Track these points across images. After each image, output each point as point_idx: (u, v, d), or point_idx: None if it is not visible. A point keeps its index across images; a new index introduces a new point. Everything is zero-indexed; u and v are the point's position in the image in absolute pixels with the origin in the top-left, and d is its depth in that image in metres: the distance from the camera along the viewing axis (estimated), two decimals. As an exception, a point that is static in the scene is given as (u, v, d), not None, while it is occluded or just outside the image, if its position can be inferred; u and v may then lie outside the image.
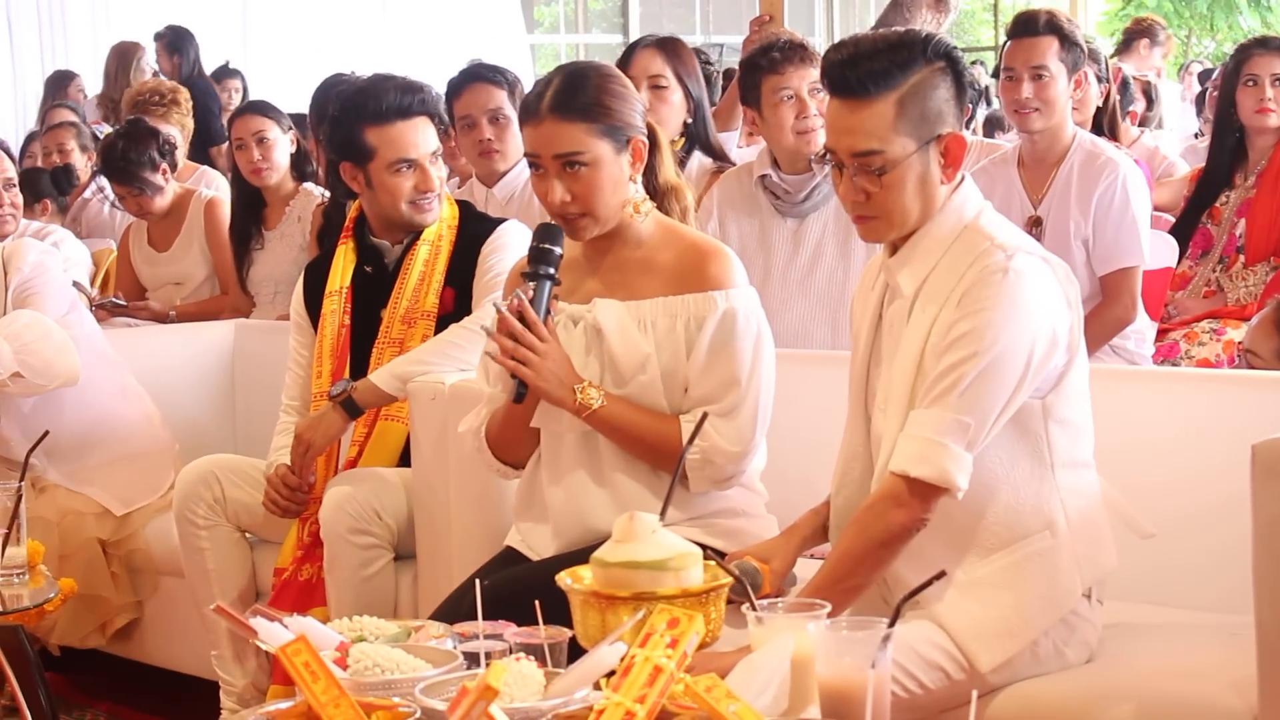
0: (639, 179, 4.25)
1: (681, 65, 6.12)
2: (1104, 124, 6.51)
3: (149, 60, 13.48)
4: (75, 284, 6.85)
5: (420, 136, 5.11)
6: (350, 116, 5.23)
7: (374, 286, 5.23)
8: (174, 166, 7.90)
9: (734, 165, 6.00)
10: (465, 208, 5.36)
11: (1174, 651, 3.86)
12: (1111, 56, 11.02)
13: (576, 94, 4.16)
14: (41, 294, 5.59)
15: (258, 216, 7.46)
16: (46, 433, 5.21)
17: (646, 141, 4.25)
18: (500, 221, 5.29)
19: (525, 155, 4.26)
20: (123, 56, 13.50)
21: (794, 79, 5.53)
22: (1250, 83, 6.60)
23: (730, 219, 5.56)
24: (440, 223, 5.20)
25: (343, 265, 5.30)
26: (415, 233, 5.18)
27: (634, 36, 21.48)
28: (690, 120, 6.12)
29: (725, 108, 7.58)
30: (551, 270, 4.13)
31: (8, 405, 5.47)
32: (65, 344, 5.49)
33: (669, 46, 6.23)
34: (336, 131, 5.32)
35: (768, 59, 5.59)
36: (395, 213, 5.18)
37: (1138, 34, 13.39)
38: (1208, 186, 6.75)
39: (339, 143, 5.32)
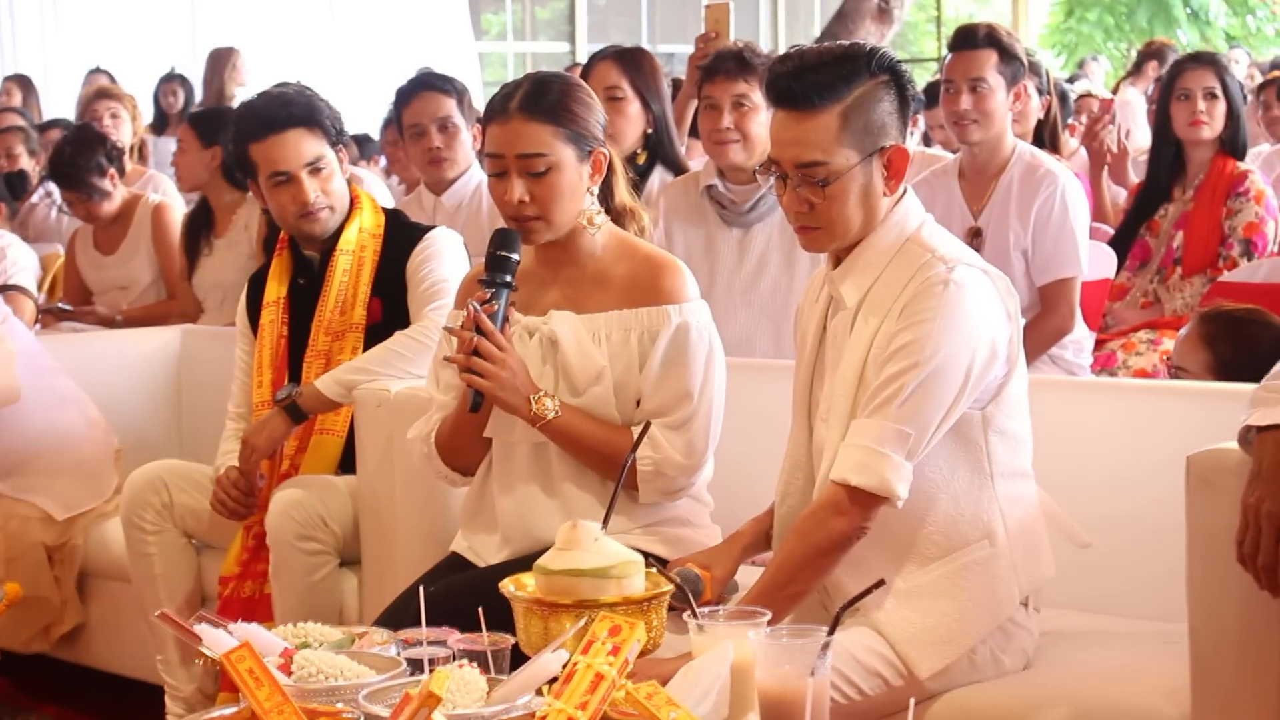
0: (595, 191, 4.25)
1: (640, 78, 6.11)
2: (1045, 136, 6.54)
3: (243, 63, 13.56)
4: (20, 289, 6.83)
5: (292, 149, 5.09)
6: (239, 134, 5.29)
7: (306, 298, 5.23)
8: (121, 171, 7.90)
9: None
10: (392, 216, 5.37)
11: (1109, 659, 3.89)
12: (1124, 79, 11.04)
13: (545, 97, 4.17)
14: None
15: (207, 224, 7.45)
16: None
17: (607, 156, 4.26)
18: (429, 229, 5.28)
19: (487, 155, 4.24)
20: (217, 61, 13.61)
21: (719, 89, 5.56)
22: (1183, 97, 6.65)
23: (677, 228, 5.57)
24: (362, 232, 5.20)
25: (279, 276, 5.31)
26: (331, 243, 5.17)
27: (581, 45, 21.63)
28: (651, 132, 6.11)
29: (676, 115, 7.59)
30: (509, 278, 4.13)
31: None
32: (6, 362, 5.47)
33: (628, 58, 6.22)
34: (234, 148, 5.41)
35: (705, 68, 5.64)
36: (285, 224, 5.24)
37: (1148, 56, 13.47)
38: (1146, 199, 6.80)
39: (236, 160, 5.45)
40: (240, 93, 12.03)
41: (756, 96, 5.45)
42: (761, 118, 5.45)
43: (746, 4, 24.53)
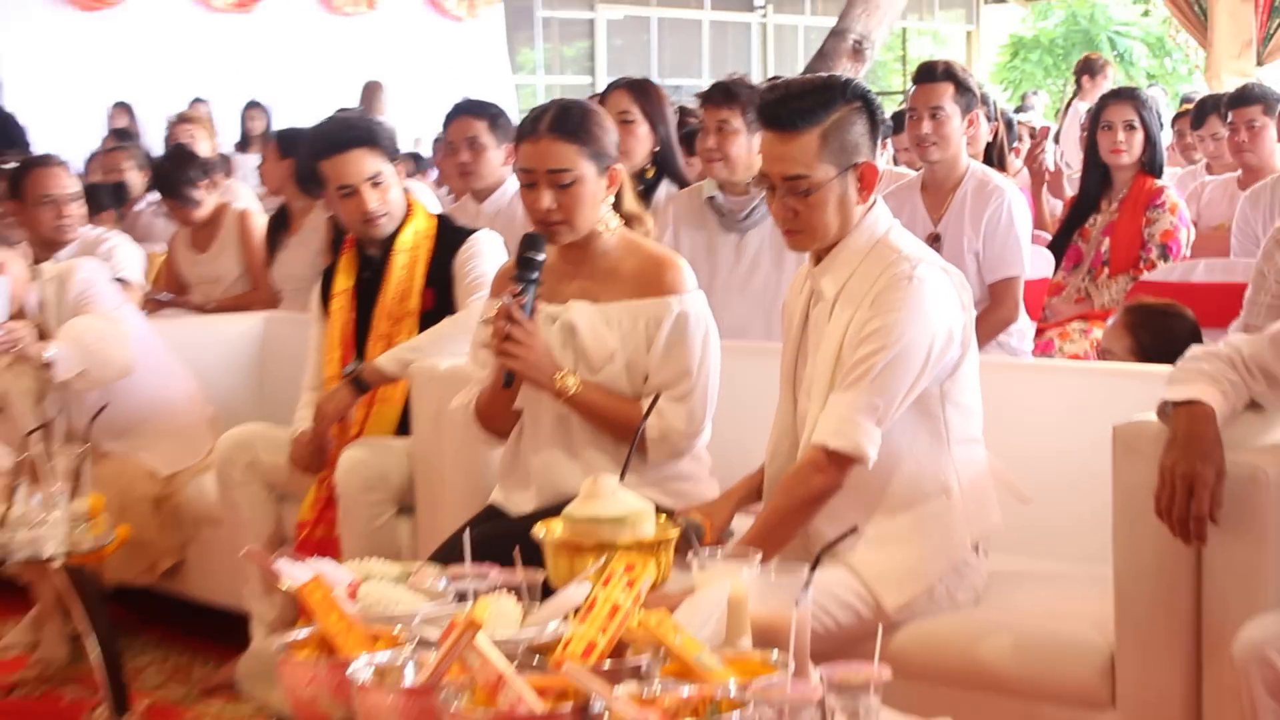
0: (610, 201, 4.26)
1: (649, 104, 6.10)
2: (993, 156, 6.53)
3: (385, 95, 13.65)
4: (128, 280, 6.84)
5: (355, 166, 5.09)
6: (311, 152, 5.33)
7: (369, 289, 5.23)
8: (213, 183, 7.93)
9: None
10: (442, 220, 5.35)
11: (1046, 595, 3.90)
12: (1072, 98, 10.92)
13: (570, 120, 4.18)
14: (94, 301, 5.60)
15: (284, 225, 7.47)
16: (105, 405, 5.21)
17: (620, 171, 4.27)
18: (472, 231, 5.28)
19: (519, 170, 4.25)
20: (370, 92, 13.85)
21: (708, 115, 5.60)
22: (1107, 127, 6.63)
23: (683, 232, 5.58)
24: (416, 234, 5.20)
25: (346, 271, 5.32)
26: (390, 243, 5.18)
27: (600, 78, 21.62)
28: (659, 151, 6.11)
29: None
30: (536, 275, 4.15)
31: (73, 394, 5.46)
32: (121, 341, 5.50)
33: (639, 88, 6.21)
34: (305, 165, 5.55)
35: (700, 97, 5.68)
36: (351, 229, 5.25)
37: (1081, 72, 13.47)
38: (1079, 210, 6.79)
39: (308, 174, 5.52)
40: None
41: (737, 122, 5.47)
42: (741, 140, 5.48)
43: (740, 42, 24.52)
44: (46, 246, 6.73)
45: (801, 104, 3.73)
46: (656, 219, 5.34)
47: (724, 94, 5.59)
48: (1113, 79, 13.54)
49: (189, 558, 5.79)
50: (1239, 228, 6.74)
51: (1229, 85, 11.52)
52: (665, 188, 6.09)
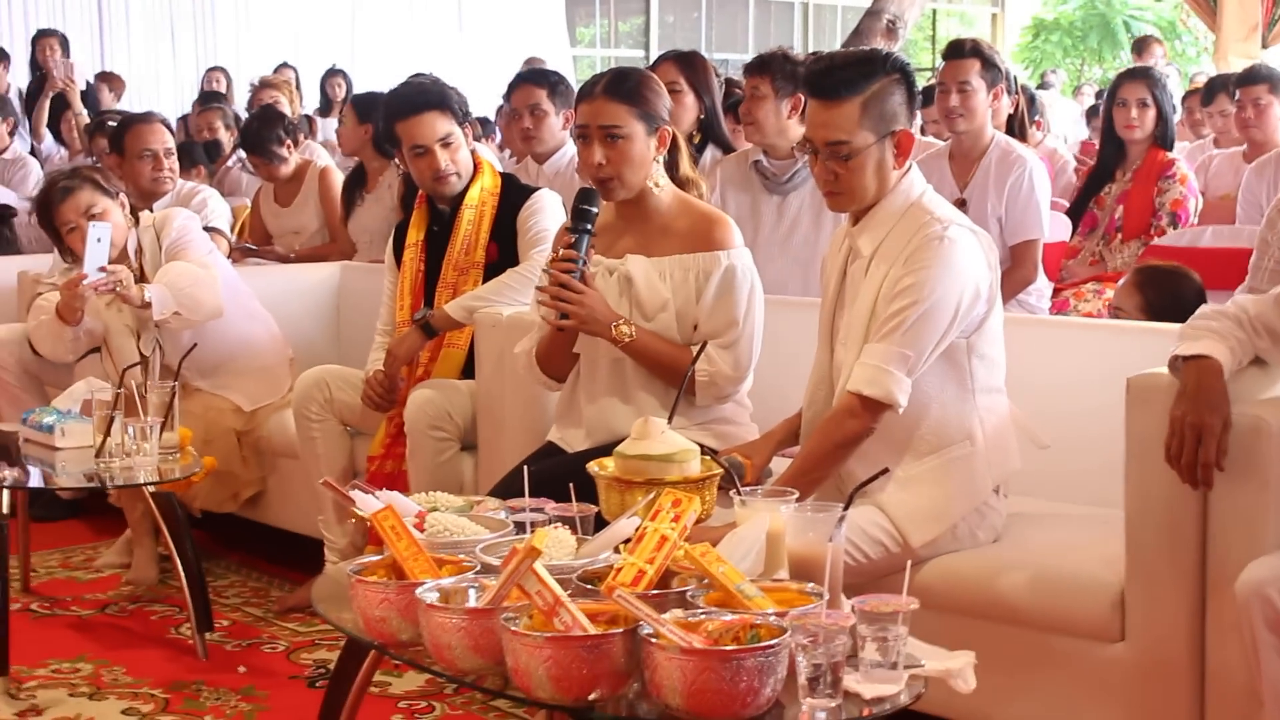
0: (661, 161, 4.24)
1: (695, 75, 6.07)
2: (1014, 128, 6.48)
3: None
4: (219, 230, 6.87)
5: (427, 128, 5.08)
6: (387, 114, 5.32)
7: (438, 241, 5.22)
8: (296, 143, 7.94)
9: (741, 154, 6.00)
10: (507, 179, 5.34)
11: (1061, 535, 3.87)
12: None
13: (624, 84, 4.20)
14: (188, 248, 5.61)
15: (361, 182, 7.48)
16: (194, 345, 5.24)
17: (670, 133, 4.25)
18: (535, 189, 5.28)
19: (576, 126, 4.26)
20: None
21: (748, 84, 5.58)
22: (1121, 105, 6.60)
23: (729, 193, 5.56)
24: (483, 191, 5.19)
25: (418, 225, 5.31)
26: (456, 201, 5.17)
27: (653, 52, 21.55)
28: (703, 118, 6.07)
29: None
30: (589, 226, 4.16)
31: (167, 333, 5.48)
32: (211, 286, 5.52)
33: (686, 59, 6.19)
34: (383, 126, 5.52)
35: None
36: (423, 186, 5.24)
37: (1135, 50, 13.47)
38: (1095, 180, 6.75)
39: (385, 134, 5.52)
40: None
41: (765, 89, 5.46)
42: (768, 105, 5.46)
43: (783, 19, 24.42)
44: (144, 197, 6.77)
45: (845, 74, 3.71)
46: (706, 181, 5.33)
47: (758, 64, 5.58)
48: (1158, 55, 13.44)
49: (268, 488, 5.80)
50: (1244, 197, 6.71)
51: (1236, 66, 11.43)
52: (710, 153, 6.06)
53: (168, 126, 7.23)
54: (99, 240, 5.33)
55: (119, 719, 4.29)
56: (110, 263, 5.37)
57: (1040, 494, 4.12)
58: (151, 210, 6.18)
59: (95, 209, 5.47)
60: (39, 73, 12.50)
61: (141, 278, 5.54)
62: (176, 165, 7.17)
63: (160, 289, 5.38)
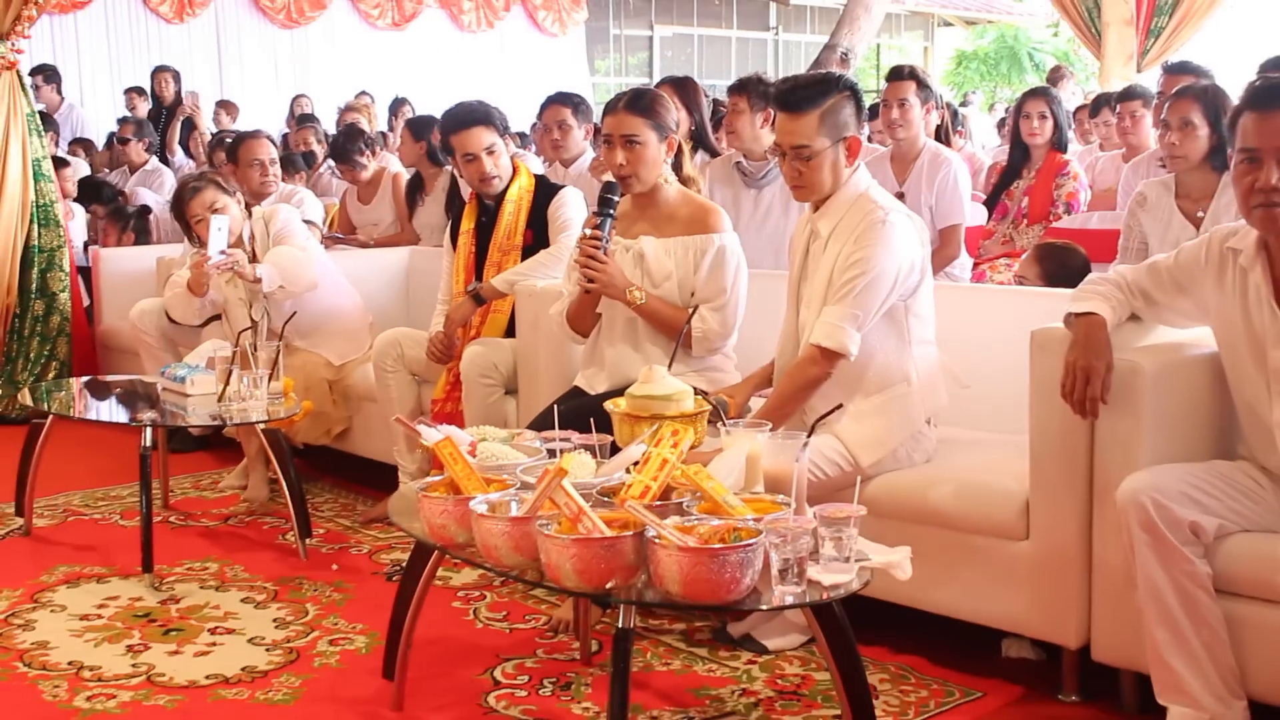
0: (669, 162, 4.24)
1: (686, 95, 6.01)
2: (942, 136, 6.45)
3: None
4: (312, 222, 6.85)
5: (474, 139, 5.07)
6: (443, 129, 5.36)
7: (486, 229, 5.21)
8: (374, 153, 7.93)
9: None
10: (540, 179, 5.31)
11: (979, 456, 3.86)
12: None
13: (641, 101, 4.20)
14: (291, 236, 5.61)
15: (420, 187, 7.48)
16: (294, 313, 5.25)
17: (677, 140, 4.26)
18: (561, 187, 5.26)
19: (603, 135, 4.25)
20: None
21: (729, 101, 5.56)
22: (1025, 117, 6.58)
23: (716, 189, 5.52)
24: (520, 189, 5.17)
25: (469, 216, 5.29)
26: (499, 197, 5.15)
27: (656, 78, 21.44)
28: (694, 129, 6.03)
29: None
30: (612, 211, 4.16)
31: (273, 302, 5.49)
32: (308, 265, 5.53)
33: (679, 83, 6.13)
34: (441, 138, 5.56)
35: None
36: (473, 185, 5.22)
37: (1054, 79, 13.36)
38: (1006, 177, 6.72)
39: (442, 145, 5.60)
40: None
41: (742, 105, 5.43)
42: (745, 119, 5.43)
43: (758, 53, 24.31)
44: (254, 197, 6.76)
45: (806, 92, 3.71)
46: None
47: (738, 85, 5.56)
48: (1069, 80, 13.42)
49: (354, 426, 5.79)
50: (1123, 190, 6.64)
51: (1117, 86, 11.36)
52: (700, 157, 6.03)
53: (271, 141, 7.20)
54: (219, 229, 5.33)
55: (239, 606, 4.29)
56: (229, 247, 5.36)
57: (963, 424, 4.11)
58: (261, 206, 6.16)
59: (217, 204, 5.45)
60: (157, 100, 12.53)
61: (253, 258, 5.53)
62: (279, 171, 7.15)
63: (269, 267, 5.38)
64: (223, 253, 5.33)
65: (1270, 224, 3.05)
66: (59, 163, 8.56)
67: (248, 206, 5.78)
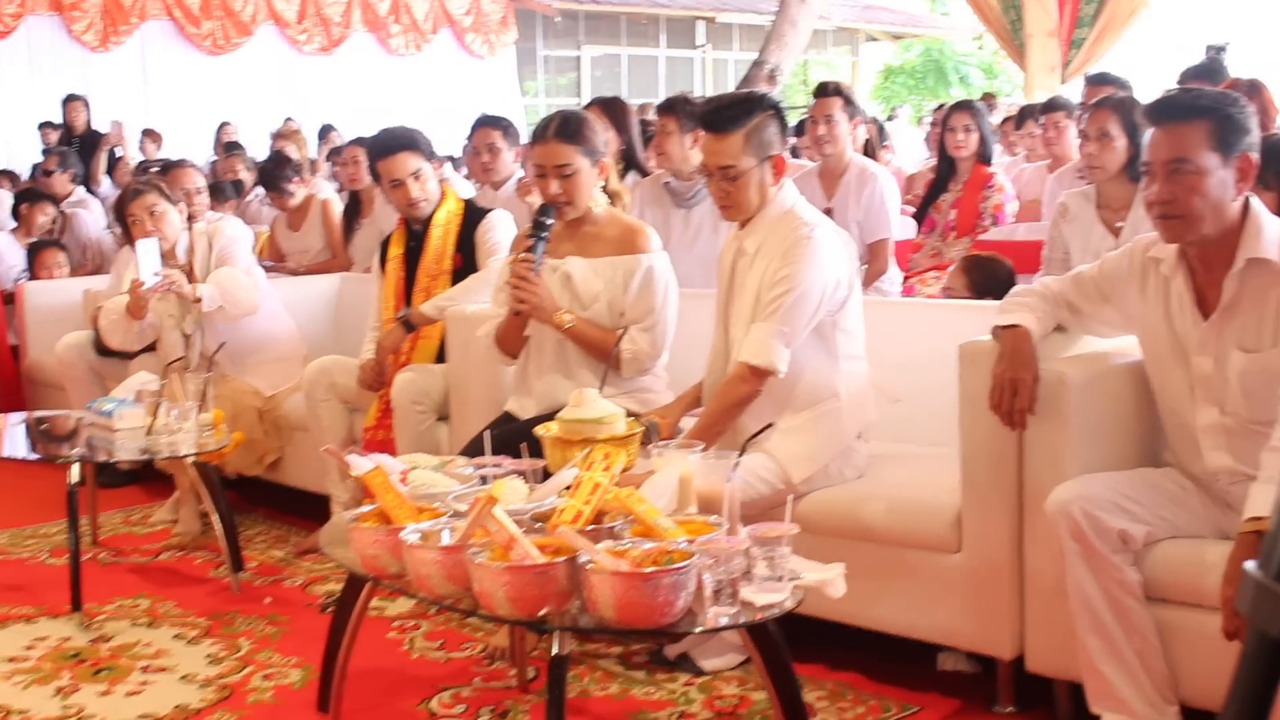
0: (601, 183, 4.22)
1: (615, 116, 6.01)
2: (869, 151, 6.48)
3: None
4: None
5: (400, 165, 5.04)
6: (370, 154, 5.35)
7: (415, 254, 5.18)
8: (303, 180, 7.88)
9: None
10: (468, 203, 5.29)
11: (910, 470, 3.87)
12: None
13: (569, 127, 4.15)
14: (235, 256, 5.61)
15: (358, 209, 7.45)
16: (224, 344, 5.21)
17: (607, 162, 4.24)
18: (489, 211, 5.23)
19: (534, 165, 4.22)
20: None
21: (658, 122, 5.56)
22: (951, 130, 6.62)
23: (646, 208, 5.52)
24: (448, 213, 5.15)
25: (398, 241, 5.26)
26: (427, 222, 5.13)
27: (585, 101, 21.48)
28: (624, 149, 6.03)
29: None
30: (545, 234, 4.14)
31: (208, 326, 5.49)
32: (252, 289, 5.54)
33: (608, 103, 6.14)
34: (369, 164, 5.51)
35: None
36: (400, 210, 5.20)
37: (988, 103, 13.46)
38: (934, 190, 6.75)
39: (370, 171, 5.56)
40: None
41: (672, 126, 5.42)
42: (674, 139, 5.43)
43: (686, 72, 24.39)
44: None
45: (730, 112, 3.71)
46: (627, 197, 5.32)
47: (665, 106, 5.56)
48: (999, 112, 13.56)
49: (286, 455, 5.74)
50: (1048, 201, 6.69)
51: (1041, 97, 11.49)
52: (632, 177, 6.03)
53: (197, 170, 7.13)
54: (148, 252, 5.32)
55: (171, 643, 4.23)
56: (163, 267, 5.35)
57: (893, 438, 4.12)
58: (202, 223, 6.13)
59: (157, 209, 5.48)
60: (68, 129, 12.44)
61: (191, 272, 5.54)
62: (206, 200, 7.09)
63: (210, 287, 5.39)
64: (156, 274, 5.31)
65: (1168, 234, 3.10)
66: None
67: (192, 218, 5.77)
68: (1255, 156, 3.03)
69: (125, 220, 5.58)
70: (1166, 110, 3.06)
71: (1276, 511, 0.94)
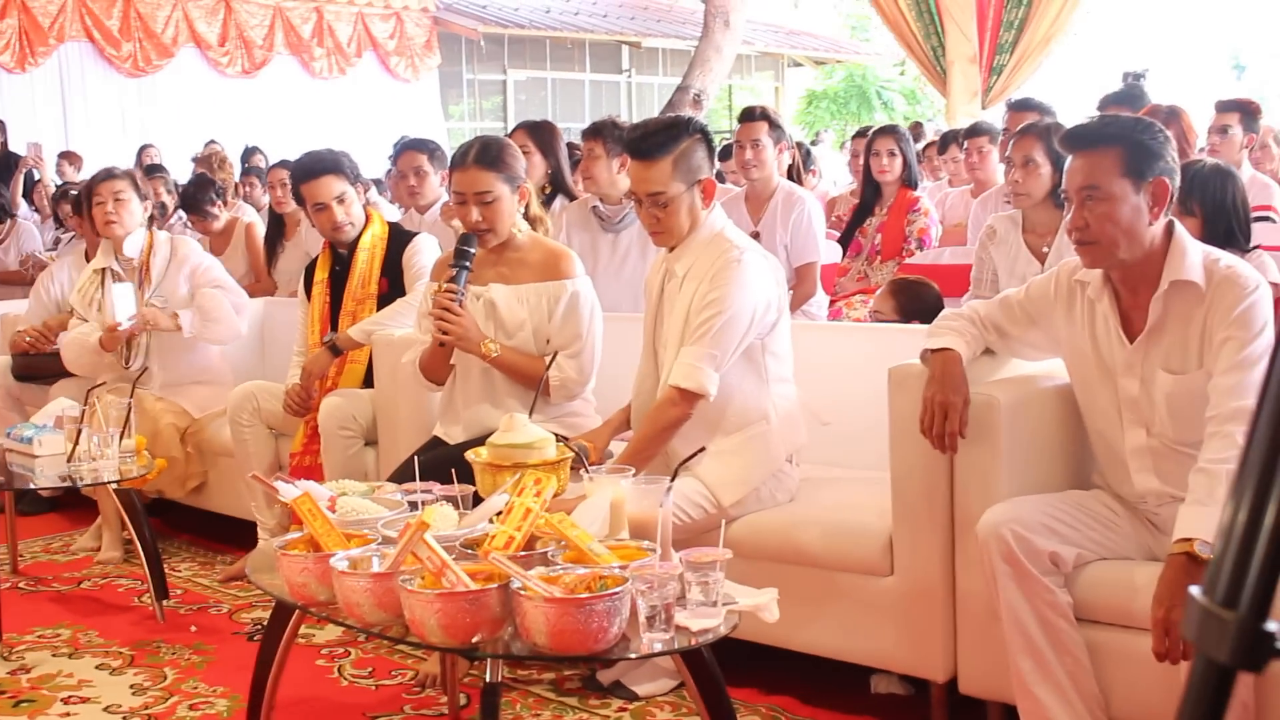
0: (521, 210, 4.19)
1: (542, 140, 6.00)
2: (794, 175, 6.51)
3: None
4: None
5: (324, 189, 5.00)
6: (293, 178, 5.36)
7: (340, 278, 5.14)
8: (225, 203, 7.81)
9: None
10: (394, 226, 5.26)
11: (841, 493, 3.88)
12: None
13: (489, 153, 4.12)
14: (223, 282, 5.70)
15: (282, 231, 7.37)
16: (145, 369, 5.18)
17: (528, 188, 4.20)
18: (415, 234, 5.21)
19: (453, 192, 4.18)
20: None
21: (585, 146, 5.55)
22: (875, 155, 6.66)
23: (574, 233, 5.51)
24: (374, 236, 5.11)
25: (323, 265, 5.21)
26: (353, 246, 5.09)
27: (511, 124, 21.43)
28: (552, 174, 6.02)
29: None
30: (468, 263, 4.10)
31: (161, 349, 5.61)
32: (234, 323, 5.63)
33: (534, 127, 6.13)
34: (293, 188, 5.53)
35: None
36: (324, 234, 5.16)
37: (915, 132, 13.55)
38: (859, 214, 6.79)
39: (294, 194, 5.52)
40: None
41: (600, 150, 5.41)
42: (602, 164, 5.42)
43: (612, 96, 24.43)
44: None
45: (658, 138, 3.70)
46: (554, 224, 5.30)
47: (592, 130, 5.55)
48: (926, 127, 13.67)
49: (210, 480, 5.67)
50: (973, 225, 6.77)
51: (963, 122, 11.60)
52: (559, 201, 6.02)
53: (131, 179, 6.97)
54: (124, 296, 5.43)
55: (94, 673, 4.16)
56: (121, 259, 5.52)
57: (824, 461, 4.13)
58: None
59: (122, 195, 5.58)
60: None
61: (145, 270, 5.61)
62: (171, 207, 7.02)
63: (190, 314, 5.50)
64: (131, 318, 5.42)
65: (1086, 260, 3.15)
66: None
67: (153, 220, 5.82)
68: (1171, 181, 3.07)
69: (90, 198, 5.62)
70: (1079, 139, 3.11)
71: (1220, 536, 0.94)
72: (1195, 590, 0.95)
